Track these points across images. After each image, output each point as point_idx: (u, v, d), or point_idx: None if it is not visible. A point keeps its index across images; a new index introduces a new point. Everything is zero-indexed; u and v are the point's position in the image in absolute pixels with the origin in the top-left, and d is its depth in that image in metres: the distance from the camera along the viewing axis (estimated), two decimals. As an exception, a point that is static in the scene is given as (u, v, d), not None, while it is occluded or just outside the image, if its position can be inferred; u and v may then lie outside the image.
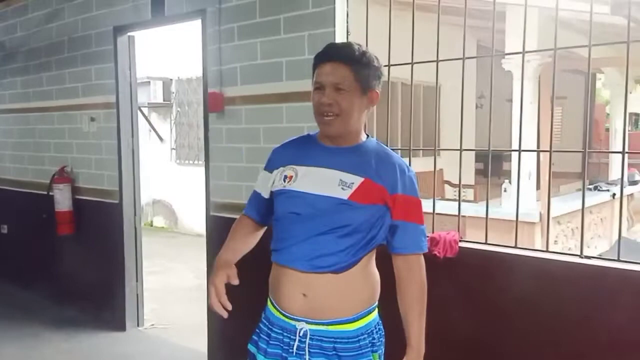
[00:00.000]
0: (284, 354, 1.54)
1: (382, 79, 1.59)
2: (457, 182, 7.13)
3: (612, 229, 6.65)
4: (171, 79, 8.39)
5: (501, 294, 2.30)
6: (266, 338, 1.59)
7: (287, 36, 2.94)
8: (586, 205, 6.07)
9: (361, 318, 1.56)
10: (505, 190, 5.29)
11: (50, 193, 4.36)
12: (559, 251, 2.43)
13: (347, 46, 1.57)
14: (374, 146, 1.61)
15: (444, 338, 2.44)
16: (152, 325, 4.25)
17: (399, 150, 7.18)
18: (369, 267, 1.59)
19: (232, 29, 3.23)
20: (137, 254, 4.15)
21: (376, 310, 1.62)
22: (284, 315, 1.56)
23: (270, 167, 1.67)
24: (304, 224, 1.52)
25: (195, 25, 3.48)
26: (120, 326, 4.10)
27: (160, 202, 8.72)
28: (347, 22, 2.78)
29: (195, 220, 7.37)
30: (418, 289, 1.59)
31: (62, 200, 4.30)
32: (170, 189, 8.36)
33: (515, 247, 2.32)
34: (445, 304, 2.43)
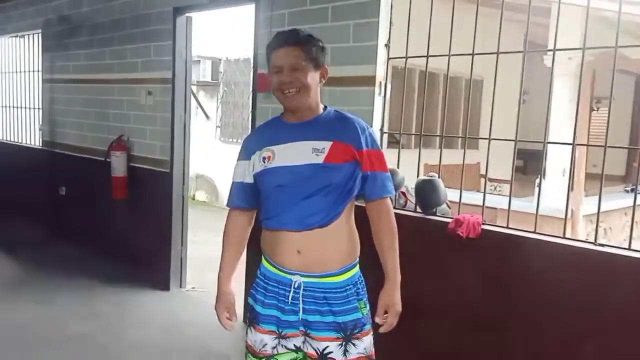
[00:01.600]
0: (279, 304, 1.78)
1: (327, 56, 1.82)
2: (495, 177, 7.18)
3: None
4: (220, 59, 8.68)
5: (518, 274, 2.47)
6: (263, 291, 1.82)
7: (334, 24, 3.14)
8: (621, 206, 6.08)
9: (347, 271, 1.79)
10: (537, 186, 5.37)
11: (108, 159, 4.72)
12: (575, 238, 2.56)
13: (294, 31, 1.78)
14: (333, 113, 1.83)
15: (459, 313, 2.64)
16: (193, 288, 4.57)
17: (437, 138, 7.21)
18: (350, 223, 1.82)
19: (283, 15, 3.45)
20: (183, 220, 4.47)
21: (357, 265, 1.85)
22: (280, 270, 1.79)
23: (246, 155, 1.85)
24: (290, 192, 1.74)
25: (248, 9, 3.72)
26: (165, 286, 4.45)
27: (203, 177, 9.08)
28: (391, 14, 2.96)
29: (235, 196, 7.67)
30: (390, 228, 1.81)
31: (118, 166, 4.65)
32: (213, 165, 8.69)
33: (535, 232, 2.48)
34: (464, 281, 2.63)
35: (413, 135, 6.09)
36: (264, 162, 1.77)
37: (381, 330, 1.79)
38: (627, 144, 11.47)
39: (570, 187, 5.54)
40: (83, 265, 4.94)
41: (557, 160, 5.30)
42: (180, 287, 4.52)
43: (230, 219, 1.93)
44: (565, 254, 2.34)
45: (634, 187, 6.73)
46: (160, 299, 4.29)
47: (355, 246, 1.84)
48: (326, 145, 1.73)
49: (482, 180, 7.90)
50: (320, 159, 1.72)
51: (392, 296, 1.79)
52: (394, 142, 5.70)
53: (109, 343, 3.48)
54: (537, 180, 5.50)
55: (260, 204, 1.86)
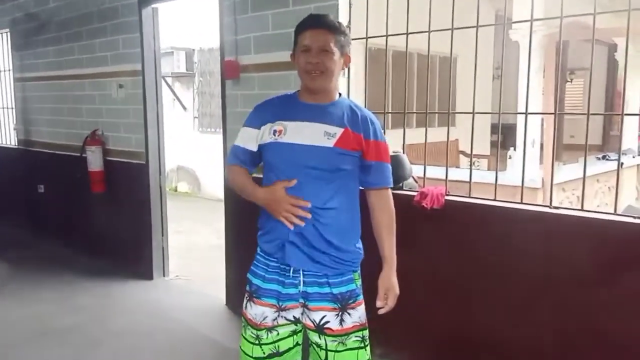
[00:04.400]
0: (280, 278, 1.86)
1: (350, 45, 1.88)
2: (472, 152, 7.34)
3: (619, 198, 6.79)
4: (193, 49, 8.66)
5: (480, 239, 2.59)
6: (264, 267, 1.90)
7: (296, 8, 3.19)
8: (593, 173, 6.26)
9: None
10: (510, 157, 5.51)
11: (83, 155, 4.75)
12: (530, 202, 2.67)
13: (326, 16, 1.85)
14: (347, 102, 1.91)
15: (428, 279, 2.76)
16: (177, 276, 4.65)
17: (414, 118, 7.32)
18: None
19: (246, 2, 3.49)
20: (162, 210, 4.53)
21: None
22: None
23: (255, 123, 1.88)
24: (296, 171, 1.80)
25: (213, -3, 3.75)
26: (148, 276, 4.52)
27: (184, 169, 9.11)
28: (350, -5, 3.02)
29: (216, 185, 7.70)
30: (389, 216, 1.93)
31: (94, 161, 4.69)
32: (193, 156, 8.72)
33: (495, 199, 2.59)
34: (431, 249, 2.75)
35: (389, 116, 6.20)
36: (275, 135, 1.81)
37: (381, 312, 1.89)
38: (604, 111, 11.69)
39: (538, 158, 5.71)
40: (66, 260, 4.99)
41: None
42: (164, 276, 4.60)
43: (231, 170, 1.93)
44: (523, 218, 2.46)
45: (604, 154, 6.94)
46: (145, 288, 4.36)
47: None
48: (338, 130, 1.79)
49: (461, 156, 8.07)
50: (330, 143, 1.78)
51: (391, 280, 1.90)
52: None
53: (96, 332, 3.55)
54: (509, 153, 5.66)
55: (264, 175, 1.89)
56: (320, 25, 1.80)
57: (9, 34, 5.97)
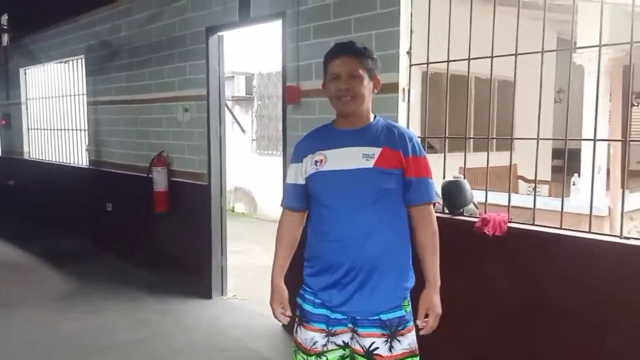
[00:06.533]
0: (327, 304, 1.88)
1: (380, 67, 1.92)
2: (531, 178, 7.12)
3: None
4: (253, 74, 8.92)
5: (544, 269, 2.51)
6: (312, 298, 1.92)
7: (357, 35, 3.26)
8: (662, 200, 5.87)
9: None
10: (573, 184, 5.32)
11: (150, 175, 4.96)
12: (600, 232, 2.57)
13: (352, 43, 1.89)
14: (383, 122, 1.92)
15: (487, 308, 2.69)
16: (234, 295, 4.73)
17: (471, 142, 7.22)
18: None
19: (309, 29, 3.59)
20: (222, 230, 4.65)
21: None
22: None
23: (298, 159, 1.95)
24: (341, 198, 1.83)
25: (276, 25, 3.88)
26: (207, 294, 4.63)
27: (241, 190, 9.30)
28: (411, 22, 3.06)
29: (273, 207, 7.83)
30: (431, 233, 1.89)
31: (160, 181, 4.89)
32: (251, 178, 8.91)
33: (560, 228, 2.52)
34: (492, 277, 2.69)
35: (446, 140, 6.11)
36: (316, 165, 1.86)
37: (422, 332, 1.87)
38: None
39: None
40: (130, 276, 5.20)
41: (591, 158, 5.23)
42: (222, 295, 4.69)
43: (283, 219, 2.04)
44: (590, 248, 2.37)
45: (677, 181, 6.56)
46: (203, 307, 4.46)
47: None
48: (376, 151, 1.81)
49: (520, 182, 7.86)
50: (370, 164, 1.81)
51: (433, 299, 1.86)
52: (429, 148, 5.76)
53: (158, 348, 3.66)
54: (573, 179, 5.46)
55: (311, 206, 1.96)
56: (347, 52, 1.84)
57: (83, 60, 6.37)
